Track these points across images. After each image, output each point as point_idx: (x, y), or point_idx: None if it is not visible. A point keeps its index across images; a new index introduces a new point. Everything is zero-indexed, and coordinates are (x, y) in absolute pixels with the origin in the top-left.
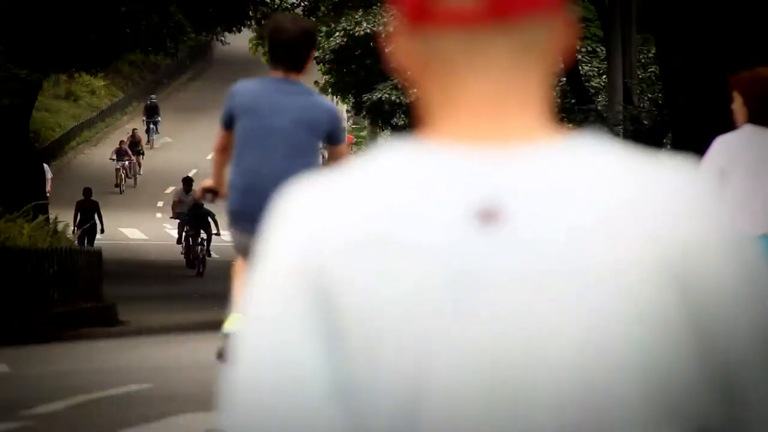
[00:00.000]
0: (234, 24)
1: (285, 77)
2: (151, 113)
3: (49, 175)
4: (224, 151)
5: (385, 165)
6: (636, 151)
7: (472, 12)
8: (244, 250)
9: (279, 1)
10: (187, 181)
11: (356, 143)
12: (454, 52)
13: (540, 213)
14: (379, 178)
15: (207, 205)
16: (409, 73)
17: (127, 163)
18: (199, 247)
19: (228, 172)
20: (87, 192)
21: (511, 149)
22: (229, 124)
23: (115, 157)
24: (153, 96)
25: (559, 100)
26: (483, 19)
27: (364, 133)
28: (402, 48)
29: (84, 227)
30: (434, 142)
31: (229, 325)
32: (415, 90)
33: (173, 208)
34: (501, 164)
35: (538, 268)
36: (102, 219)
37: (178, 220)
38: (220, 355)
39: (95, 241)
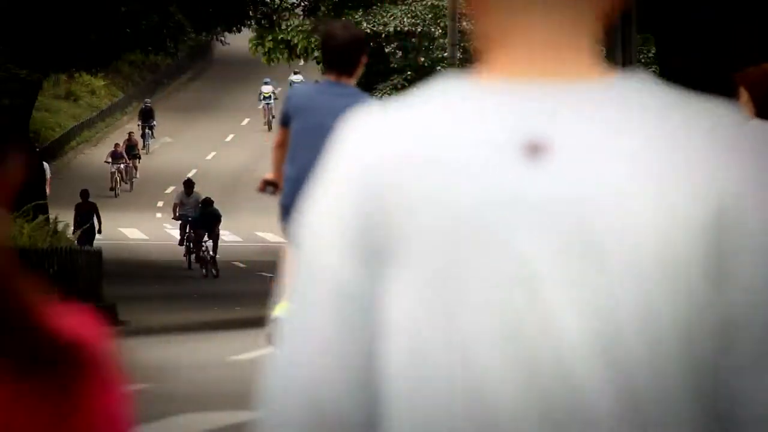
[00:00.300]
0: (234, 24)
1: (337, 80)
2: (147, 117)
3: (48, 174)
4: (282, 147)
5: (441, 97)
6: (683, 93)
7: None
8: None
9: (279, 1)
10: (188, 184)
11: None
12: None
13: (585, 150)
14: (433, 109)
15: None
16: (471, 10)
17: (122, 166)
18: (203, 250)
19: (284, 167)
20: (84, 194)
21: (562, 86)
22: (286, 122)
23: (110, 160)
24: (148, 99)
25: None
26: None
27: None
28: None
29: (83, 227)
30: (489, 76)
31: (278, 312)
32: (475, 27)
33: (174, 209)
34: (551, 100)
35: (577, 200)
36: (101, 220)
37: (179, 222)
38: (268, 339)
39: (94, 242)
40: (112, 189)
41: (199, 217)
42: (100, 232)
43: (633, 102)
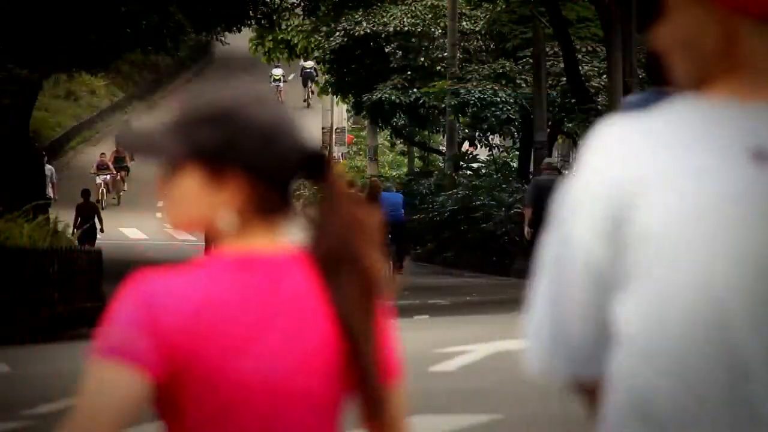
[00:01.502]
0: (234, 24)
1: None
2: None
3: (54, 178)
4: None
5: (677, 112)
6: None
7: None
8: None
9: (279, 1)
10: None
11: (356, 143)
12: (754, 36)
13: None
14: (671, 122)
15: None
16: (677, 39)
17: (108, 177)
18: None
19: None
20: (85, 194)
21: None
22: None
23: (95, 170)
24: (127, 119)
25: (559, 100)
26: None
27: (364, 133)
28: (687, 20)
29: (84, 227)
30: (715, 97)
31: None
32: (680, 56)
33: None
34: None
35: None
36: (102, 221)
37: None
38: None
39: (96, 242)
40: (98, 201)
41: None
42: (102, 231)
43: None
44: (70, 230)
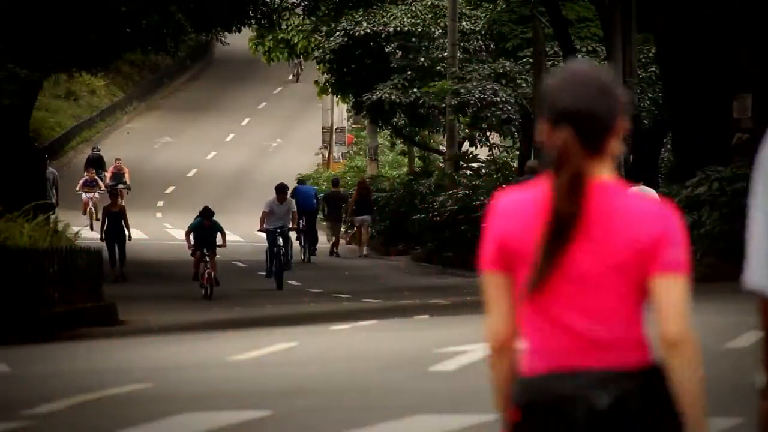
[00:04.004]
0: (234, 24)
1: None
2: (96, 167)
3: (57, 183)
4: None
5: None
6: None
7: None
8: None
9: (279, 1)
10: (281, 189)
11: (356, 143)
12: None
13: None
14: None
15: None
16: None
17: (97, 195)
18: (204, 264)
19: None
20: (113, 195)
21: None
22: None
23: (80, 188)
24: (96, 147)
25: None
26: None
27: (364, 133)
28: None
29: (114, 231)
30: None
31: None
32: None
33: (261, 221)
34: None
35: None
36: (128, 225)
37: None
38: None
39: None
40: (88, 224)
41: (199, 231)
42: (130, 238)
43: None
44: (71, 230)
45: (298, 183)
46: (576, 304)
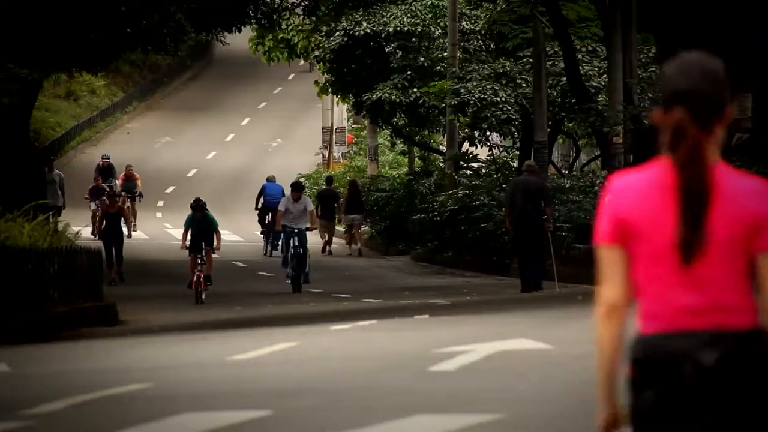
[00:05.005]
0: (234, 24)
1: None
2: (106, 175)
3: (63, 186)
4: None
5: None
6: None
7: None
8: None
9: (279, 1)
10: (297, 187)
11: (356, 143)
12: None
13: None
14: None
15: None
16: None
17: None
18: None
19: None
20: (111, 197)
21: None
22: None
23: (89, 196)
24: (105, 154)
25: (559, 100)
26: None
27: (364, 133)
28: None
29: (109, 231)
30: None
31: None
32: None
33: (278, 220)
34: None
35: None
36: (129, 224)
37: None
38: None
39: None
40: (92, 233)
41: (197, 229)
42: (130, 236)
43: None
44: (71, 230)
45: (267, 180)
46: (693, 271)
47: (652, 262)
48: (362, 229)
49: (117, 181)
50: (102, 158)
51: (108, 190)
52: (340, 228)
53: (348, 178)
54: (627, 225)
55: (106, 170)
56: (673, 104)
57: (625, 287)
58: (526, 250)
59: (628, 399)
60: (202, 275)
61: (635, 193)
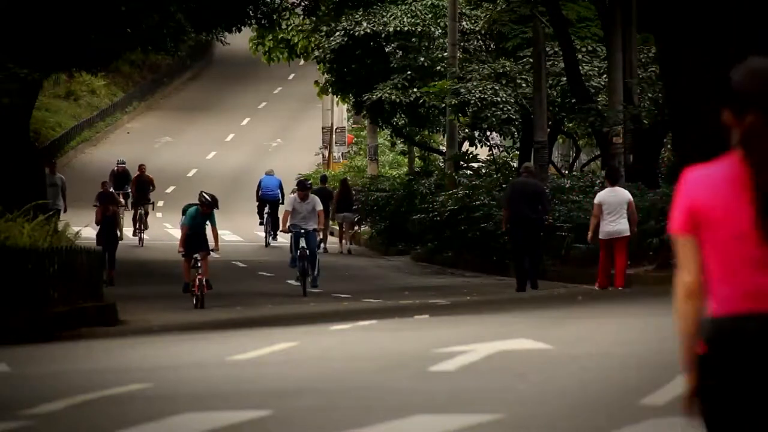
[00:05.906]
0: (234, 24)
1: None
2: (121, 182)
3: (65, 189)
4: None
5: None
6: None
7: None
8: None
9: (279, 1)
10: (303, 186)
11: (356, 143)
12: None
13: None
14: None
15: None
16: None
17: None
18: (196, 270)
19: None
20: (110, 199)
21: None
22: None
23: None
24: (121, 159)
25: (559, 100)
26: None
27: (364, 133)
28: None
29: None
30: None
31: None
32: None
33: (284, 221)
34: None
35: None
36: (121, 229)
37: (289, 235)
38: None
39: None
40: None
41: (195, 230)
42: (121, 238)
43: None
44: (71, 230)
45: (265, 174)
46: (764, 257)
47: (723, 249)
48: (362, 228)
49: (130, 189)
50: (117, 163)
51: (115, 195)
52: (334, 226)
53: (348, 178)
54: (699, 215)
55: (121, 177)
56: (745, 108)
57: (700, 271)
58: (524, 252)
59: (699, 377)
60: (203, 278)
61: (708, 185)
